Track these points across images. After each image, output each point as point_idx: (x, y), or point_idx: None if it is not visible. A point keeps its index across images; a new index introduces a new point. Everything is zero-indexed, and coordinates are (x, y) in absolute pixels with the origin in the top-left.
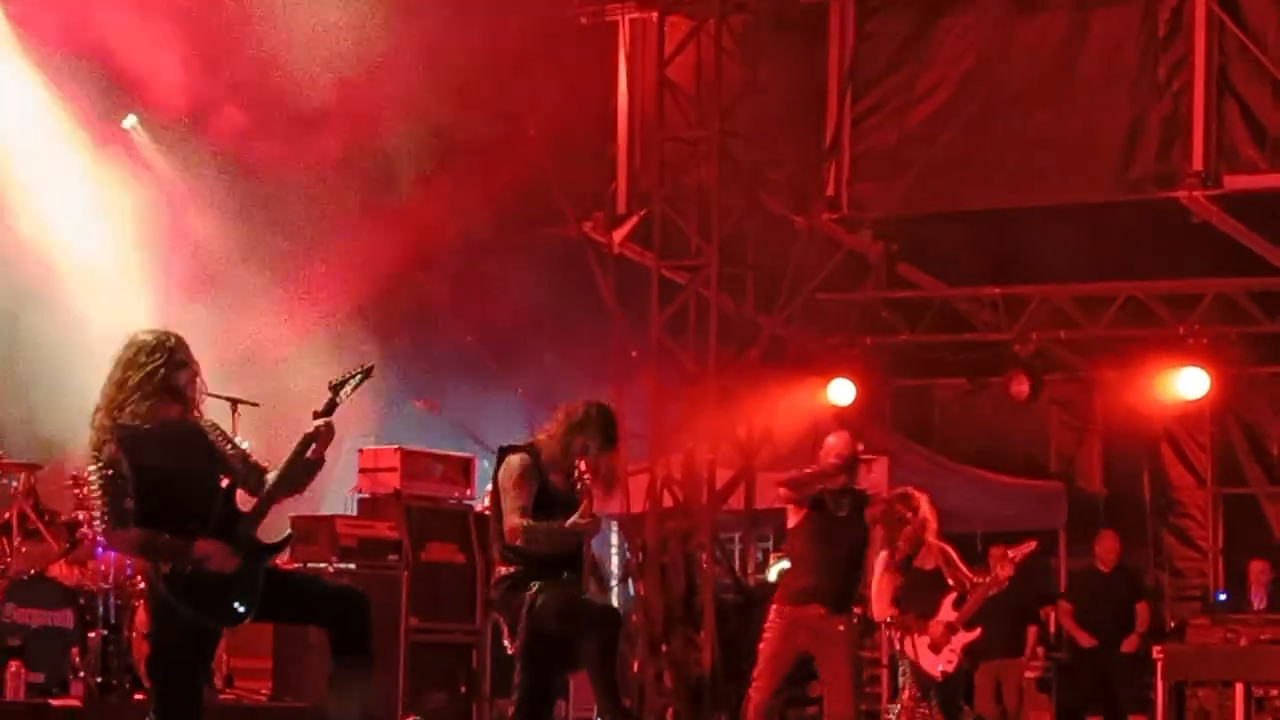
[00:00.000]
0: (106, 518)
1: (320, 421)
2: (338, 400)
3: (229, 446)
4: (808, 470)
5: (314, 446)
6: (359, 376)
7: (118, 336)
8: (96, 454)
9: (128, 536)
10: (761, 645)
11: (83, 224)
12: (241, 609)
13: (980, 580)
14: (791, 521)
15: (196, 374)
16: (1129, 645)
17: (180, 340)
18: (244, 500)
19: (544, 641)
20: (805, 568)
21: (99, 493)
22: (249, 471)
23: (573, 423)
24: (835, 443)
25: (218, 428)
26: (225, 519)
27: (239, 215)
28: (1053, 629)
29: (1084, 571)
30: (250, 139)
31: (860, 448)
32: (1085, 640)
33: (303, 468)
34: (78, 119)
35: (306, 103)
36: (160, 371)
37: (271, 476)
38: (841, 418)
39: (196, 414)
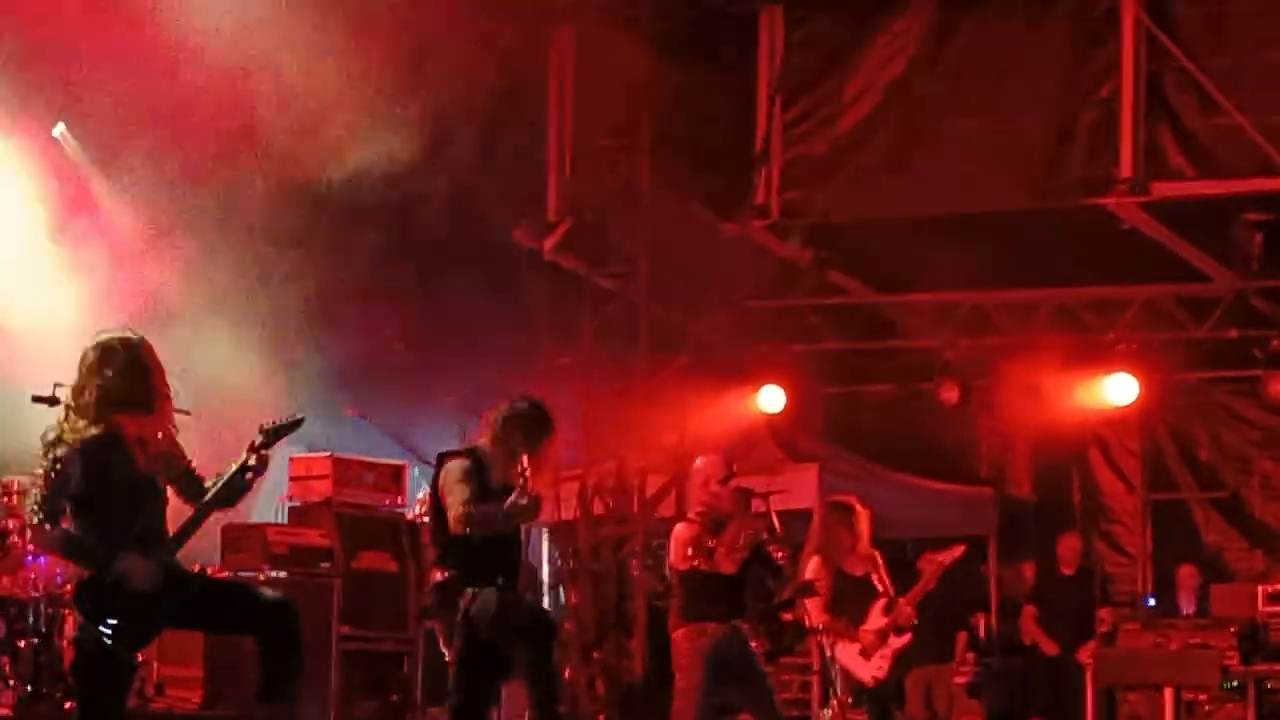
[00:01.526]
0: (39, 511)
1: (257, 456)
2: (271, 442)
3: (178, 461)
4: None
5: (248, 477)
6: (290, 425)
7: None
8: (53, 447)
9: (54, 534)
10: (684, 679)
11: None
12: (136, 642)
13: (906, 595)
14: (686, 566)
15: (163, 383)
16: (1086, 653)
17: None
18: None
19: (480, 647)
20: (716, 591)
21: (41, 484)
22: (190, 486)
23: (506, 420)
24: (707, 468)
25: (173, 443)
26: (150, 536)
27: (174, 229)
28: (983, 634)
29: (1046, 574)
30: (174, 148)
31: (734, 469)
32: (1049, 648)
33: (234, 492)
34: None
35: (231, 111)
36: (139, 384)
37: (207, 492)
38: (771, 425)
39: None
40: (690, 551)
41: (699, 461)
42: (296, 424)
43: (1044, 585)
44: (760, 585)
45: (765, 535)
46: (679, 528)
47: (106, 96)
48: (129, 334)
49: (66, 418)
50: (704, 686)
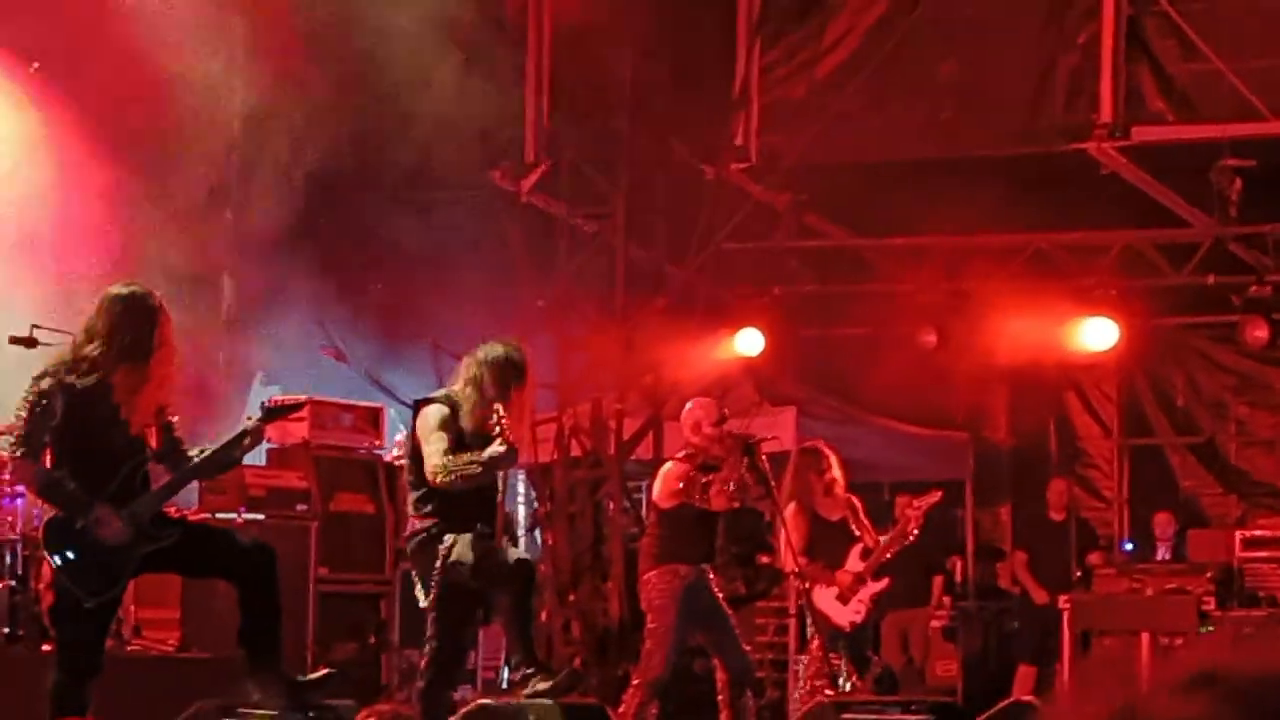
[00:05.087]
0: (19, 442)
1: (255, 427)
2: (271, 420)
3: (162, 419)
4: (722, 477)
5: (241, 446)
6: (291, 406)
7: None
8: (38, 380)
9: (33, 469)
10: (656, 620)
11: None
12: (98, 588)
13: (884, 537)
14: (672, 503)
15: (170, 353)
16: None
17: (166, 316)
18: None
19: (458, 595)
20: (697, 533)
21: (23, 415)
22: (171, 449)
23: (481, 365)
24: (699, 411)
25: (163, 403)
26: (129, 488)
27: (139, 161)
28: (959, 579)
29: (1034, 519)
30: (153, 85)
31: (726, 413)
32: (1039, 596)
33: (222, 463)
34: None
35: (217, 50)
36: (141, 339)
37: (191, 460)
38: (749, 368)
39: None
40: (682, 486)
41: (690, 405)
42: (298, 405)
43: (1032, 531)
44: (739, 528)
45: (752, 484)
46: (669, 465)
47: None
48: (150, 294)
49: (65, 359)
50: (676, 627)
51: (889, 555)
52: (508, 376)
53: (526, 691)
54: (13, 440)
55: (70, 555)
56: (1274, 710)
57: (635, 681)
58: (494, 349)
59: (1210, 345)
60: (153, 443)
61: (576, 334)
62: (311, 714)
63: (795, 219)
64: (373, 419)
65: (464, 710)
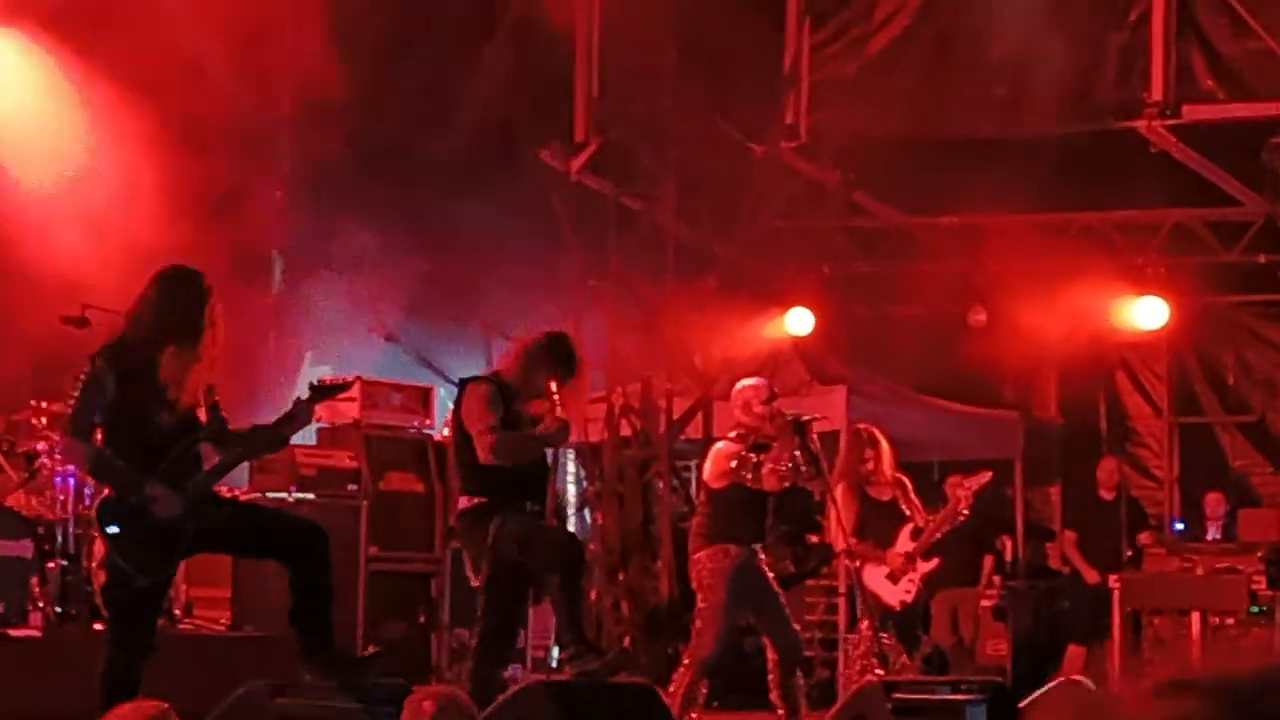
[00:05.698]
0: (70, 422)
1: (305, 406)
2: (320, 399)
3: (210, 398)
4: (774, 457)
5: (290, 425)
6: (339, 386)
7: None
8: (91, 359)
9: (83, 449)
10: (707, 599)
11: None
12: (151, 566)
13: (935, 517)
14: (723, 483)
15: (219, 333)
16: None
17: (216, 296)
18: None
19: (508, 573)
20: (747, 513)
21: (75, 394)
22: (220, 429)
23: (532, 354)
24: (750, 391)
25: (209, 382)
26: (181, 467)
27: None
28: (1009, 558)
29: (1085, 498)
30: (201, 63)
31: (776, 392)
32: (1090, 575)
33: (272, 442)
34: None
35: (259, 27)
36: (191, 320)
37: (241, 440)
38: (798, 347)
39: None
40: (733, 466)
41: (741, 385)
42: (345, 385)
43: (1082, 510)
44: (789, 507)
45: (803, 464)
46: (721, 445)
47: None
48: (200, 274)
49: (115, 339)
50: (726, 606)
51: (939, 535)
52: (558, 367)
53: (576, 670)
54: (64, 420)
55: (123, 534)
56: (1257, 706)
57: (685, 661)
58: (546, 339)
59: (1261, 324)
60: (202, 422)
61: (626, 313)
62: (362, 693)
63: (844, 197)
64: (423, 398)
65: (514, 689)
